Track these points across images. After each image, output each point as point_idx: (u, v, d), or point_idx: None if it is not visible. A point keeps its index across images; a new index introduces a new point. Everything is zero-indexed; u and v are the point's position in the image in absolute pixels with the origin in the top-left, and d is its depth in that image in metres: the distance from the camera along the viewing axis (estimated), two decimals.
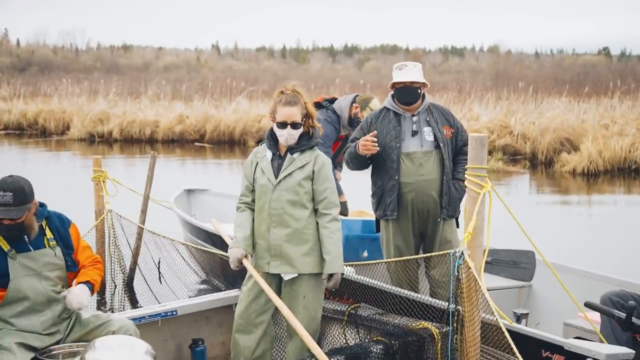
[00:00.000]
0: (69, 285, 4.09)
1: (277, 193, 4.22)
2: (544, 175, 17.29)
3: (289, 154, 4.27)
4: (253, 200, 4.36)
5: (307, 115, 4.28)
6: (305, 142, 4.28)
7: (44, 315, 3.96)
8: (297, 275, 4.24)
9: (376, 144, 4.91)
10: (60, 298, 4.01)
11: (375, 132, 4.95)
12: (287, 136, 4.23)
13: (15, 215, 3.84)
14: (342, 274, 4.29)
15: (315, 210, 4.26)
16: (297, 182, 4.21)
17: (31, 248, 3.96)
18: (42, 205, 4.10)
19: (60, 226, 4.09)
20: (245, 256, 4.26)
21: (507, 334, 3.63)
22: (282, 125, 4.22)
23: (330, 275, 4.19)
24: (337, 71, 47.03)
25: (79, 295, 3.94)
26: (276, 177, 4.25)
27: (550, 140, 18.24)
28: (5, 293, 3.88)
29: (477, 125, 19.88)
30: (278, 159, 4.29)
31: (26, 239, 3.95)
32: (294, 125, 4.21)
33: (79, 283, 4.02)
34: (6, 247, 3.90)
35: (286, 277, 4.26)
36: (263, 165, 4.31)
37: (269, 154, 4.32)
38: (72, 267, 4.10)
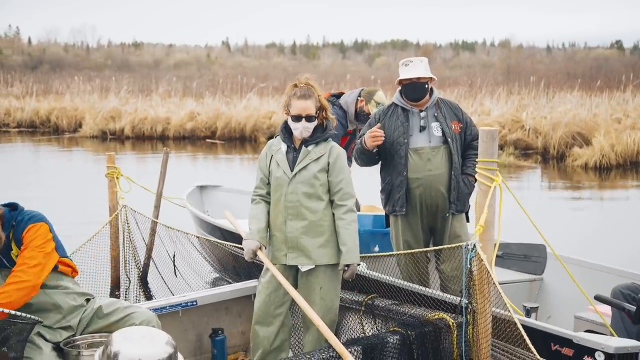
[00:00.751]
0: (64, 271, 4.07)
1: (293, 186, 4.27)
2: (555, 169, 17.25)
3: (303, 147, 4.31)
4: (268, 193, 4.41)
5: (320, 108, 4.33)
6: (319, 134, 4.32)
7: (53, 311, 3.99)
8: (314, 266, 4.29)
9: (382, 133, 4.90)
10: (59, 295, 4.00)
11: (379, 124, 4.94)
12: (302, 129, 4.27)
13: None
14: (359, 265, 4.33)
15: (331, 202, 4.30)
16: (312, 174, 4.25)
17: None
18: (15, 208, 3.94)
19: (20, 232, 3.87)
20: (260, 248, 4.31)
21: (520, 327, 3.65)
22: (297, 118, 4.26)
23: (347, 266, 4.23)
24: (348, 67, 47.03)
25: None
26: (292, 170, 4.29)
27: (562, 135, 18.18)
28: None
29: (488, 120, 19.84)
30: (293, 152, 4.34)
31: (1, 257, 3.88)
32: (309, 118, 4.25)
33: None
34: None
35: (303, 269, 4.31)
36: (278, 158, 4.35)
37: (284, 147, 4.36)
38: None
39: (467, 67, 43.93)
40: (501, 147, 18.55)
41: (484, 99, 23.72)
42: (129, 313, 4.07)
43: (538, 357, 3.52)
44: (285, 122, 4.39)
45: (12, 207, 3.95)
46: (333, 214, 4.29)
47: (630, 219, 11.50)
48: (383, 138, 4.92)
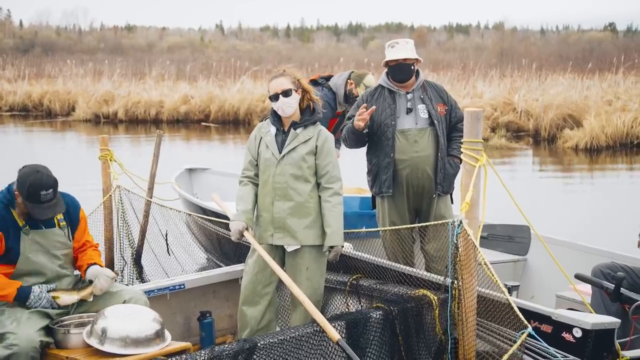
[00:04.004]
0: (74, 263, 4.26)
1: (281, 167, 4.36)
2: (547, 151, 17.36)
3: (292, 129, 4.40)
4: (256, 175, 4.50)
5: (304, 91, 4.42)
6: (307, 118, 4.42)
7: (54, 260, 4.11)
8: (299, 247, 4.38)
9: (367, 116, 4.94)
10: (69, 274, 4.16)
11: (374, 107, 4.97)
12: (282, 106, 4.36)
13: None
14: (342, 247, 4.43)
15: (318, 184, 4.39)
16: (300, 156, 4.34)
17: (43, 226, 4.07)
18: None
19: (72, 206, 4.19)
20: (247, 229, 4.40)
21: (506, 293, 3.73)
22: (275, 97, 4.36)
23: (331, 248, 4.34)
24: (342, 50, 46.92)
25: (106, 282, 4.09)
26: (280, 152, 4.38)
27: (553, 117, 18.27)
28: (13, 270, 4.01)
29: (480, 102, 19.87)
30: (282, 134, 4.43)
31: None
32: (285, 93, 4.35)
33: (93, 264, 4.16)
34: (21, 223, 4.01)
35: (289, 249, 4.40)
36: (267, 140, 4.44)
37: (273, 130, 4.46)
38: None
39: (461, 50, 43.85)
40: (493, 130, 18.65)
41: (476, 82, 23.75)
42: (118, 290, 4.19)
43: (526, 322, 3.59)
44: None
45: None
46: (319, 196, 4.38)
47: (619, 200, 11.62)
48: (367, 118, 4.96)
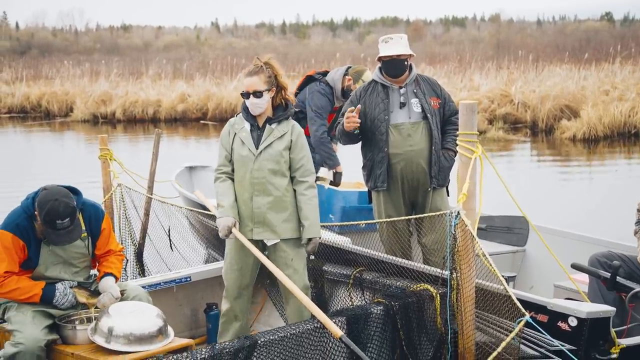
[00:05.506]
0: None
1: (258, 163, 4.39)
2: (544, 142, 17.39)
3: (267, 125, 4.43)
4: (233, 170, 4.51)
5: (278, 87, 4.43)
6: (281, 113, 4.46)
7: (72, 265, 4.16)
8: (279, 240, 4.43)
9: (357, 118, 4.99)
10: (82, 280, 4.21)
11: (359, 106, 5.03)
12: (250, 105, 4.40)
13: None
14: (320, 238, 4.49)
15: (292, 178, 4.44)
16: (278, 152, 4.38)
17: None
18: (76, 193, 4.13)
19: (94, 217, 4.17)
20: (234, 224, 4.41)
21: (504, 282, 3.75)
22: (245, 95, 4.40)
23: (309, 240, 4.40)
24: (338, 45, 46.83)
25: (109, 300, 4.08)
26: (257, 148, 4.41)
27: (550, 108, 18.30)
28: (30, 275, 4.05)
29: (477, 95, 19.89)
30: (257, 130, 4.45)
31: None
32: (256, 94, 4.36)
33: (108, 274, 4.18)
34: (41, 235, 4.02)
35: (269, 243, 4.45)
36: (242, 136, 4.46)
37: (247, 125, 4.48)
38: (92, 254, 4.27)
39: (457, 42, 43.79)
40: (490, 122, 18.68)
41: (473, 75, 23.76)
42: (122, 289, 4.22)
43: (524, 311, 3.62)
44: None
45: (73, 191, 4.12)
46: (294, 190, 4.43)
47: (617, 189, 11.66)
48: (358, 123, 5.01)
